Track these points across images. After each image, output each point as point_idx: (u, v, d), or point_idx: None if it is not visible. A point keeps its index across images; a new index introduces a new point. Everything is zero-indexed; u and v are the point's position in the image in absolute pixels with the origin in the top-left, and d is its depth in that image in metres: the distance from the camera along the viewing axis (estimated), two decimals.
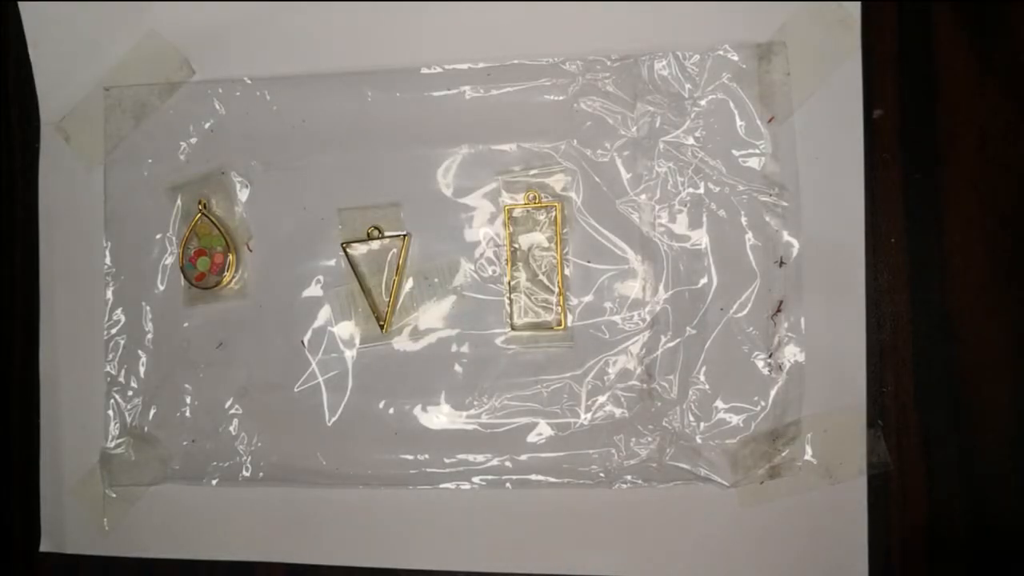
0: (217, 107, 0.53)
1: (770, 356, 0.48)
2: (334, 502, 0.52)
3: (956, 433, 0.48)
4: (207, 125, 0.53)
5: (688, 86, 0.49)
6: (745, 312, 0.48)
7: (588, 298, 0.50)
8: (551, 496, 0.50)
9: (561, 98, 0.50)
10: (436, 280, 0.51)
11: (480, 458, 0.50)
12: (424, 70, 0.51)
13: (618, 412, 0.49)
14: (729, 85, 0.49)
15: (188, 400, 0.53)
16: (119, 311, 0.54)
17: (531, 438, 0.50)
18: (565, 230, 0.50)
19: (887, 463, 0.48)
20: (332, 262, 0.52)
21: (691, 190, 0.49)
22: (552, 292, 0.49)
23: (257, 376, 0.52)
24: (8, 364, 0.57)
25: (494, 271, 0.51)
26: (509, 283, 0.50)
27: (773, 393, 0.48)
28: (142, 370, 0.54)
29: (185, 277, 0.53)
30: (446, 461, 0.50)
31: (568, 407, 0.49)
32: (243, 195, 0.53)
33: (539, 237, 0.50)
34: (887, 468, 0.48)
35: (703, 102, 0.49)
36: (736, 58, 0.49)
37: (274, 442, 0.52)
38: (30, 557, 0.55)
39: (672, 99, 0.49)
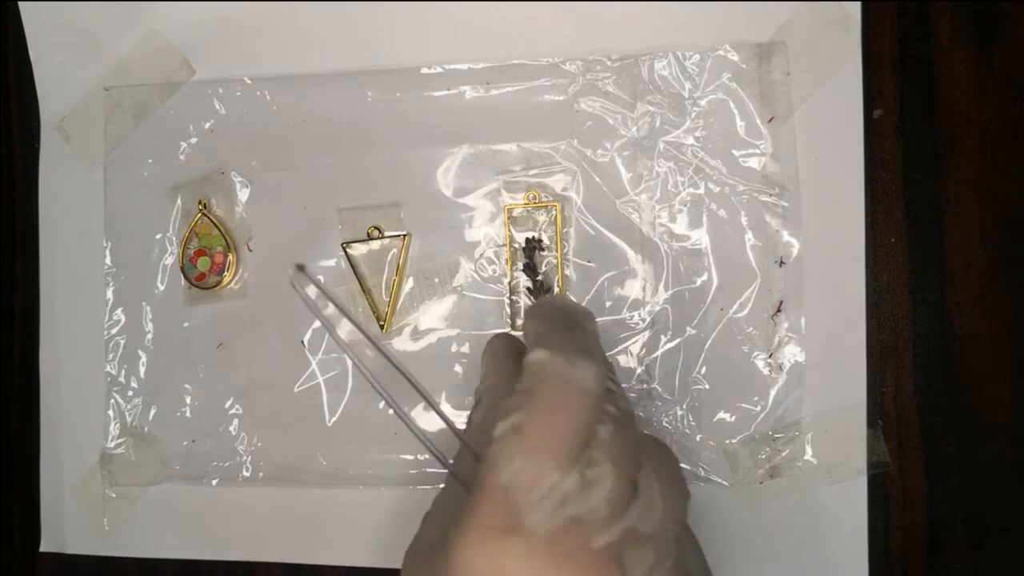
0: (217, 107, 0.53)
1: (770, 356, 0.48)
2: (334, 502, 0.52)
3: (956, 433, 0.48)
4: (207, 125, 0.53)
5: (688, 86, 0.49)
6: (745, 312, 0.48)
7: (588, 298, 0.50)
8: None
9: (561, 98, 0.50)
10: (436, 280, 0.51)
11: None
12: (424, 70, 0.51)
13: None
14: (729, 85, 0.49)
15: (188, 400, 0.53)
16: (119, 311, 0.54)
17: None
18: (565, 230, 0.50)
19: (887, 463, 0.48)
20: (332, 262, 0.52)
21: (691, 190, 0.49)
22: (552, 292, 0.49)
23: (257, 376, 0.52)
24: (8, 364, 0.57)
25: (494, 271, 0.51)
26: (509, 283, 0.50)
27: (773, 393, 0.48)
28: (142, 370, 0.54)
29: (185, 277, 0.53)
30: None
31: None
32: (243, 195, 0.53)
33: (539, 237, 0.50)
34: (887, 468, 0.48)
35: (703, 102, 0.49)
36: (736, 58, 0.49)
37: (274, 442, 0.52)
38: (30, 557, 0.55)
39: (672, 99, 0.49)
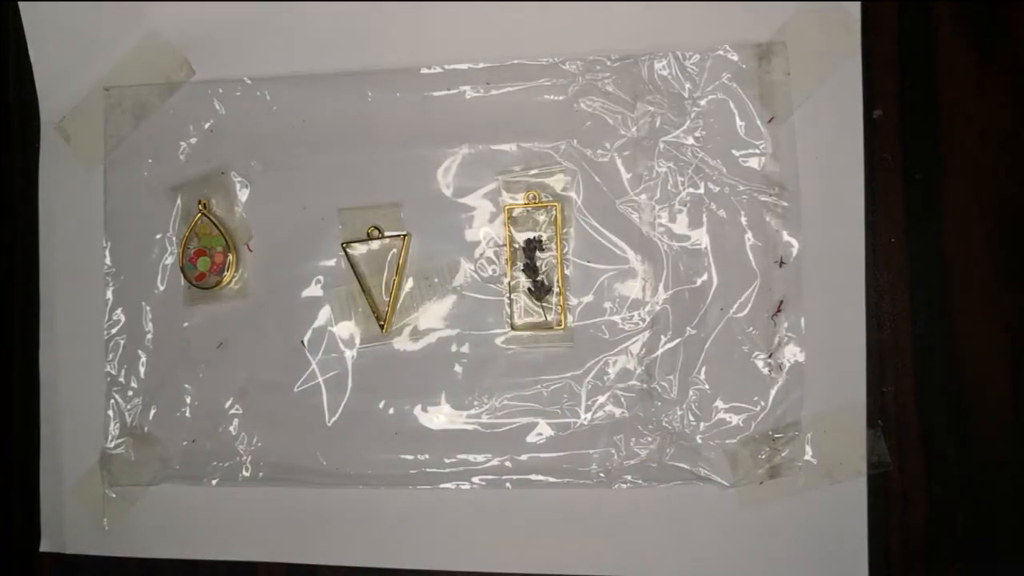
0: (217, 107, 0.53)
1: (770, 356, 0.48)
2: (334, 502, 0.52)
3: (956, 433, 0.48)
4: (207, 125, 0.53)
5: (688, 86, 0.49)
6: (745, 312, 0.48)
7: (588, 298, 0.50)
8: (551, 496, 0.50)
9: (561, 98, 0.50)
10: (436, 280, 0.51)
11: (480, 458, 0.50)
12: (424, 70, 0.51)
13: (618, 412, 0.49)
14: (729, 85, 0.49)
15: (188, 400, 0.53)
16: (119, 311, 0.54)
17: (531, 438, 0.50)
18: (565, 230, 0.50)
19: (887, 463, 0.48)
20: (332, 262, 0.52)
21: (691, 190, 0.49)
22: (552, 292, 0.50)
23: (257, 376, 0.52)
24: (8, 364, 0.57)
25: (494, 271, 0.51)
26: (509, 283, 0.50)
27: (773, 393, 0.48)
28: (142, 370, 0.54)
29: (185, 277, 0.53)
30: (446, 461, 0.50)
31: (568, 407, 0.49)
32: (243, 195, 0.53)
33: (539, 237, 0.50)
34: (887, 468, 0.48)
35: (703, 102, 0.49)
36: (736, 58, 0.49)
37: (274, 442, 0.52)
38: (30, 557, 0.55)
39: (672, 99, 0.49)
